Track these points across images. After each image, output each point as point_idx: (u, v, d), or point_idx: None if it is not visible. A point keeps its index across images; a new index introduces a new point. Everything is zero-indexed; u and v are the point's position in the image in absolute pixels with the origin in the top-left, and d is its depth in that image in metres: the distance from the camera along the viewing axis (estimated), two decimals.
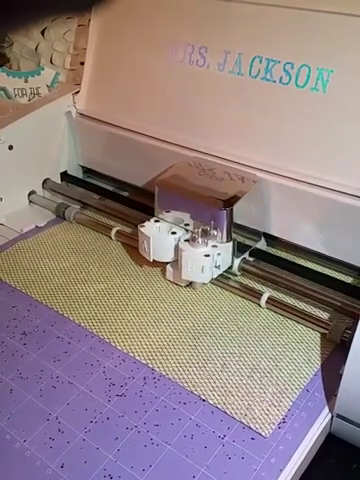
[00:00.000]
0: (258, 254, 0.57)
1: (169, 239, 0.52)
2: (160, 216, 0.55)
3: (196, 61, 0.58)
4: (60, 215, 0.66)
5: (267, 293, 0.52)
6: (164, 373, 0.45)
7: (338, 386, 0.40)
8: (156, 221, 0.54)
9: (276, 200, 0.55)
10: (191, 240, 0.51)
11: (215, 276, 0.52)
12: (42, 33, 0.85)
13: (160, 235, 0.53)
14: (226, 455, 0.39)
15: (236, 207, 0.51)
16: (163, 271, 0.56)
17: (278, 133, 0.54)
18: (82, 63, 0.72)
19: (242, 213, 0.52)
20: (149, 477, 0.37)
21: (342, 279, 0.55)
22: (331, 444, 0.43)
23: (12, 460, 0.39)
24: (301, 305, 0.52)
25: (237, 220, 0.52)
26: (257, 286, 0.55)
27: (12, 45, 0.86)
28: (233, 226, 0.52)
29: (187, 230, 0.53)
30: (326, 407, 0.42)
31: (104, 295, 0.54)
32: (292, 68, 0.52)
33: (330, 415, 0.42)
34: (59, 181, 0.72)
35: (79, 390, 0.44)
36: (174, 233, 0.53)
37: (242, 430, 0.40)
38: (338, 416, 0.42)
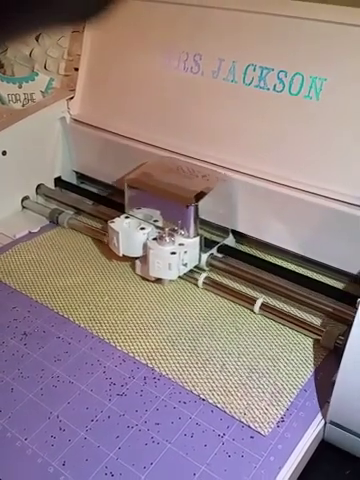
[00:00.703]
0: (227, 250, 0.59)
1: (138, 235, 0.54)
2: (130, 213, 0.57)
3: (190, 68, 0.59)
4: (54, 221, 0.66)
5: (261, 299, 0.52)
6: (164, 373, 0.46)
7: (331, 392, 0.40)
8: (126, 217, 0.56)
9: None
10: (159, 238, 0.52)
11: (182, 273, 0.53)
12: (36, 39, 0.85)
13: (129, 231, 0.55)
14: (226, 453, 0.39)
15: (202, 204, 0.53)
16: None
17: (271, 140, 0.54)
18: (76, 69, 0.72)
19: (209, 210, 0.54)
20: (150, 475, 0.38)
21: (319, 279, 0.56)
22: (324, 450, 0.43)
23: (13, 458, 0.40)
24: (293, 311, 0.52)
25: (204, 216, 0.54)
26: (251, 292, 0.55)
27: (6, 51, 0.86)
28: (199, 222, 0.54)
29: (156, 226, 0.55)
30: (319, 414, 0.42)
31: (103, 297, 0.54)
32: (286, 76, 0.53)
33: (323, 422, 0.42)
34: (53, 187, 0.72)
35: (80, 389, 0.44)
36: (143, 229, 0.54)
37: (241, 429, 0.41)
38: (331, 423, 0.42)
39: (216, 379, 0.45)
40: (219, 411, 0.42)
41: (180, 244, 0.53)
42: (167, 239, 0.52)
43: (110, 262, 0.60)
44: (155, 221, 0.55)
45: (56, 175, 0.72)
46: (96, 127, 0.67)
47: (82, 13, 0.20)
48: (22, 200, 0.69)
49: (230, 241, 0.60)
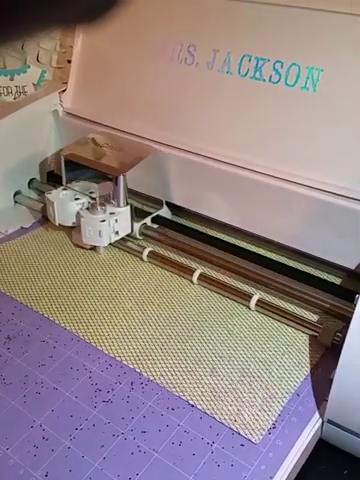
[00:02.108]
0: (161, 221, 0.61)
1: (72, 205, 0.57)
2: (68, 185, 0.60)
3: (184, 59, 0.57)
4: (46, 216, 0.64)
5: (257, 295, 0.51)
6: (152, 378, 0.44)
7: (329, 391, 0.39)
8: (64, 189, 0.59)
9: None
10: (91, 207, 0.55)
11: (113, 240, 0.56)
12: None
13: (64, 201, 0.58)
14: (215, 462, 0.38)
15: (131, 175, 0.55)
16: (151, 272, 0.56)
17: (267, 132, 0.53)
18: (69, 61, 0.70)
19: (140, 181, 0.57)
20: None
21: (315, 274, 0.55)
22: (322, 449, 0.42)
23: None
24: (288, 306, 0.51)
25: (135, 187, 0.57)
26: (247, 288, 0.53)
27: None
28: (133, 193, 0.57)
29: (91, 197, 0.57)
30: (317, 412, 0.41)
31: (91, 298, 0.53)
32: (282, 67, 0.51)
33: (321, 420, 0.41)
34: (46, 181, 0.71)
35: (64, 396, 0.43)
36: (77, 199, 0.57)
37: (231, 436, 0.40)
38: (329, 422, 0.41)
39: (206, 383, 0.44)
40: (208, 418, 0.41)
41: (111, 213, 0.56)
42: (98, 208, 0.55)
43: (100, 261, 0.58)
44: (91, 193, 0.58)
45: (49, 169, 0.71)
46: (89, 120, 0.65)
47: (92, 12, 0.19)
48: (14, 195, 0.67)
49: (165, 213, 0.62)
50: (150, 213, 0.61)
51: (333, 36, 0.49)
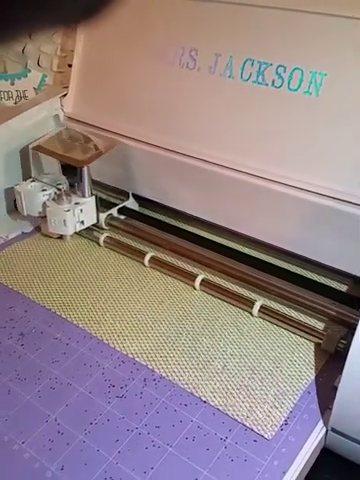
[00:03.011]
0: (128, 213, 0.64)
1: (39, 195, 0.59)
2: (36, 177, 0.62)
3: (186, 64, 0.57)
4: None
5: (260, 301, 0.51)
6: (164, 375, 0.45)
7: (333, 399, 0.39)
8: (32, 181, 0.61)
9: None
10: (57, 198, 0.58)
11: (78, 230, 0.59)
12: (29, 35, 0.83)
13: (32, 192, 0.60)
14: (228, 457, 0.38)
15: (96, 167, 0.58)
16: (160, 275, 0.57)
17: (270, 137, 0.53)
18: (70, 65, 0.70)
19: (105, 173, 0.61)
20: (151, 479, 0.37)
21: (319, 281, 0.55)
22: (325, 458, 0.42)
23: (11, 462, 0.39)
24: (289, 312, 0.51)
25: (100, 179, 0.61)
26: (252, 295, 0.53)
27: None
28: (99, 185, 0.61)
29: (58, 189, 0.59)
30: (321, 421, 0.41)
31: (102, 297, 0.53)
32: (284, 71, 0.51)
33: (325, 429, 0.41)
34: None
35: (78, 391, 0.43)
36: (44, 190, 0.60)
37: (244, 432, 0.40)
38: (333, 430, 0.40)
39: (218, 381, 0.44)
40: (221, 414, 0.41)
41: (76, 203, 0.58)
42: (64, 198, 0.57)
43: (109, 262, 0.59)
44: (58, 184, 0.60)
45: None
46: (90, 124, 0.65)
47: (89, 9, 0.19)
48: (14, 200, 0.65)
49: (132, 204, 0.65)
50: (117, 204, 0.64)
51: (336, 40, 0.49)
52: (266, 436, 0.40)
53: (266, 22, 0.52)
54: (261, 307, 0.50)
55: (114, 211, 0.63)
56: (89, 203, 0.59)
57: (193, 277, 0.54)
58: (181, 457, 0.38)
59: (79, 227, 0.59)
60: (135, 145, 0.60)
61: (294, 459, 0.38)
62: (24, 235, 0.63)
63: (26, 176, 0.66)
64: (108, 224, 0.62)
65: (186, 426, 0.41)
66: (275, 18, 0.51)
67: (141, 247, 0.60)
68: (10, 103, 0.81)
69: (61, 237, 0.62)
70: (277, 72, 0.51)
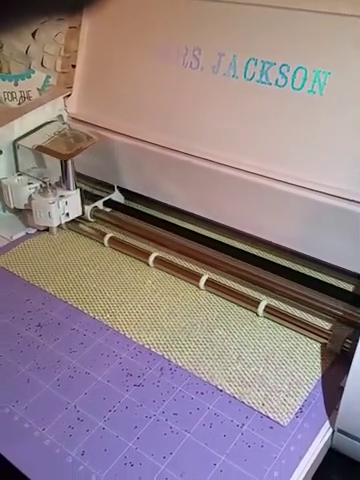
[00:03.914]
0: (113, 205, 0.67)
1: (25, 189, 0.61)
2: (23, 171, 0.64)
3: (190, 63, 0.57)
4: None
5: (265, 301, 0.51)
6: (180, 364, 0.46)
7: (339, 399, 0.39)
8: (19, 175, 0.64)
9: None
10: (42, 191, 0.60)
11: (64, 222, 0.61)
12: (33, 35, 0.82)
13: (18, 186, 0.62)
14: (245, 443, 0.39)
15: (80, 160, 0.60)
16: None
17: (274, 137, 0.53)
18: (73, 66, 0.70)
19: (89, 166, 0.64)
20: (170, 464, 0.38)
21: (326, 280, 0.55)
22: (332, 459, 0.41)
23: (31, 448, 0.39)
24: (294, 312, 0.51)
25: (84, 172, 0.63)
26: (257, 295, 0.53)
27: (2, 48, 0.83)
28: (84, 178, 0.63)
29: (44, 182, 0.61)
30: (327, 421, 0.41)
31: (117, 289, 0.54)
32: (288, 70, 0.51)
33: (331, 430, 0.40)
34: None
35: (96, 380, 0.44)
36: (30, 184, 0.62)
37: (260, 419, 0.41)
38: (339, 431, 0.40)
39: (233, 370, 0.45)
40: (237, 402, 0.42)
41: (61, 196, 0.60)
42: (49, 191, 0.59)
43: (117, 258, 0.60)
44: (44, 178, 0.62)
45: None
46: (94, 125, 0.65)
47: None
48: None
49: (117, 197, 0.68)
50: (101, 197, 0.66)
51: (340, 39, 0.48)
52: (282, 423, 0.40)
53: (269, 21, 0.52)
54: (266, 307, 0.50)
55: (100, 203, 0.66)
56: (74, 196, 0.61)
57: (198, 276, 0.55)
58: (199, 443, 0.39)
59: (64, 219, 0.61)
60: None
61: (310, 445, 0.39)
62: (28, 235, 0.64)
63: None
64: (93, 216, 0.64)
65: (203, 413, 0.41)
66: (278, 17, 0.51)
67: (146, 247, 0.60)
68: (14, 104, 0.81)
69: (47, 229, 0.64)
70: (281, 71, 0.51)
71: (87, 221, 0.64)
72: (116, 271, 0.57)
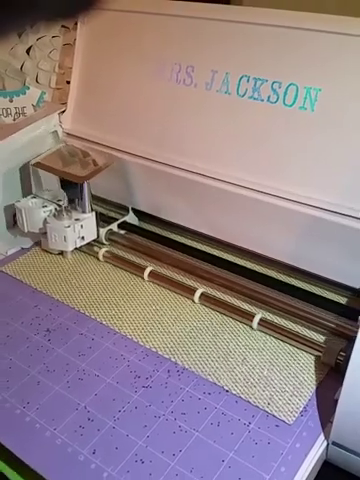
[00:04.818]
0: (128, 227, 0.65)
1: (40, 212, 0.60)
2: (38, 194, 0.62)
3: (183, 80, 0.58)
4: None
5: (259, 314, 0.51)
6: (187, 366, 0.47)
7: (334, 412, 0.39)
8: (33, 197, 0.62)
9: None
10: (57, 214, 0.58)
11: (79, 245, 0.59)
12: (27, 52, 0.83)
13: (32, 209, 0.60)
14: (252, 440, 0.40)
15: (99, 182, 0.59)
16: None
17: (266, 152, 0.53)
18: (68, 82, 0.70)
19: (105, 188, 0.62)
20: (180, 461, 0.39)
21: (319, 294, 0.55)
22: (327, 472, 0.41)
23: (44, 448, 0.40)
24: (289, 324, 0.52)
25: (100, 194, 0.62)
26: (251, 308, 0.53)
27: None
28: (99, 200, 0.61)
29: (59, 205, 0.60)
30: (321, 435, 0.41)
31: (122, 297, 0.56)
32: (280, 87, 0.52)
33: (326, 442, 0.41)
34: None
35: (105, 382, 0.45)
36: (45, 206, 0.60)
37: (266, 418, 0.42)
38: (334, 444, 0.40)
39: (238, 372, 0.46)
40: (243, 402, 0.43)
41: (76, 219, 0.59)
42: (64, 214, 0.58)
43: (122, 266, 0.61)
44: (59, 200, 0.61)
45: None
46: (88, 140, 0.65)
47: (70, 9, 0.20)
48: (14, 215, 0.65)
49: (132, 219, 0.66)
50: (116, 219, 0.65)
51: (331, 56, 0.49)
52: (287, 421, 0.42)
53: (261, 39, 0.53)
54: (260, 320, 0.51)
55: (114, 226, 0.64)
56: (89, 219, 0.60)
57: (192, 291, 0.55)
58: (207, 440, 0.40)
59: (79, 243, 0.59)
60: (132, 160, 0.61)
61: (315, 442, 0.40)
62: (24, 250, 0.64)
63: (25, 193, 0.65)
64: (108, 239, 0.63)
65: (211, 413, 0.42)
66: (270, 35, 0.52)
67: (142, 261, 0.61)
68: (9, 120, 0.80)
69: (61, 253, 0.62)
70: (272, 88, 0.52)
71: (101, 244, 0.63)
72: (117, 282, 0.58)
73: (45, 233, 0.59)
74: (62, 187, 0.61)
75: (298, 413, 0.42)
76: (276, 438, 0.40)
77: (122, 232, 0.65)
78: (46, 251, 0.63)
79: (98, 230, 0.61)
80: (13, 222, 0.65)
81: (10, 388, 0.45)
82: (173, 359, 0.48)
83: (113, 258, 0.61)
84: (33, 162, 0.62)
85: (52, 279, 0.58)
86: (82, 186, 0.59)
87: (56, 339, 0.50)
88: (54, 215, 0.59)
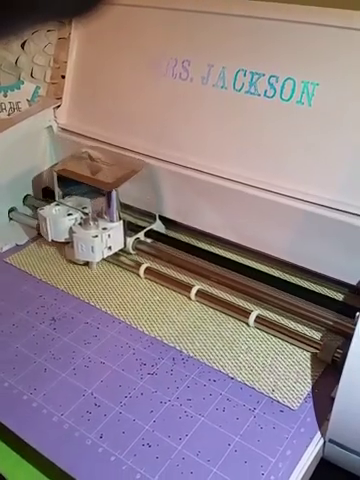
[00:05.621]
0: (155, 236, 0.61)
1: (65, 220, 0.57)
2: (60, 201, 0.59)
3: (179, 74, 0.57)
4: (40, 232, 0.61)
5: (256, 312, 0.51)
6: (192, 354, 0.47)
7: (330, 409, 0.39)
8: (56, 205, 0.59)
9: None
10: (83, 223, 0.55)
11: (106, 256, 0.56)
12: (22, 46, 0.81)
13: (57, 217, 0.57)
14: (258, 425, 0.41)
15: (124, 189, 0.56)
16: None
17: (262, 147, 0.53)
18: (63, 76, 0.69)
19: (132, 195, 0.57)
20: (186, 445, 0.39)
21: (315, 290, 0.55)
22: (324, 470, 0.41)
23: (51, 432, 0.41)
24: (286, 322, 0.51)
25: (128, 202, 0.57)
26: (248, 305, 0.53)
27: None
28: (125, 207, 0.57)
29: (84, 213, 0.57)
30: (318, 432, 0.41)
31: (127, 286, 0.56)
32: (277, 81, 0.51)
33: (322, 440, 0.40)
34: (41, 197, 0.68)
35: (111, 369, 0.46)
36: (70, 215, 0.57)
37: (271, 403, 0.43)
38: (331, 441, 0.40)
39: (243, 360, 0.47)
40: (248, 388, 0.44)
41: (103, 228, 0.55)
42: (91, 223, 0.55)
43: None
44: (84, 208, 0.58)
45: (44, 185, 0.68)
46: (84, 135, 0.64)
47: (71, 10, 0.20)
48: (9, 211, 0.64)
49: (159, 227, 0.62)
50: (143, 227, 0.61)
51: (328, 50, 0.48)
52: (292, 407, 0.42)
53: (258, 32, 0.52)
54: (257, 317, 0.50)
55: (141, 235, 0.60)
56: (117, 228, 0.56)
57: (189, 288, 0.54)
58: (213, 425, 0.41)
59: (107, 253, 0.56)
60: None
61: (320, 427, 0.41)
62: (18, 247, 0.63)
63: (20, 188, 0.65)
64: (135, 248, 0.59)
65: (216, 399, 0.43)
66: (267, 28, 0.52)
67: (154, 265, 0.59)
68: (3, 115, 0.81)
69: (87, 264, 0.59)
70: (269, 82, 0.51)
71: (128, 253, 0.59)
72: (128, 275, 0.59)
73: (68, 242, 0.57)
74: (87, 194, 0.58)
75: (302, 399, 0.43)
76: (281, 423, 0.41)
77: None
78: (47, 243, 0.61)
79: (125, 239, 0.58)
80: (8, 218, 0.64)
81: (17, 375, 0.45)
82: (178, 347, 0.48)
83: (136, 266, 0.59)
84: (57, 168, 0.59)
85: (56, 270, 0.59)
86: (110, 194, 0.55)
87: (61, 328, 0.50)
88: (80, 224, 0.56)
